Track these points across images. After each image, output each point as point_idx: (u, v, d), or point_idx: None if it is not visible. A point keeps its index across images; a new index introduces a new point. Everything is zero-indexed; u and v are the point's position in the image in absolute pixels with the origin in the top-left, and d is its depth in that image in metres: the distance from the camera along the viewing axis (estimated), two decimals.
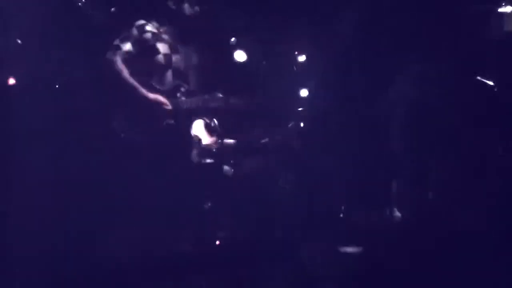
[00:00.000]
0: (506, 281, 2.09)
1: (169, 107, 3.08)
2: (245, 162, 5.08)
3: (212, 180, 4.64)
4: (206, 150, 4.75)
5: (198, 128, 4.97)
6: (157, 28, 3.14)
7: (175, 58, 3.21)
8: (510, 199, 2.59)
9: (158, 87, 3.11)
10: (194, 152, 4.84)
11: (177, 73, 3.24)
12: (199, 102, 3.17)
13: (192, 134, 4.90)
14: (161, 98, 3.06)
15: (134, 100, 2.96)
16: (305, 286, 2.29)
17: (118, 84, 2.95)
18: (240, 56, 5.93)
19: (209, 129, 5.08)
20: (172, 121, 3.12)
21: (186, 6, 3.17)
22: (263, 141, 5.16)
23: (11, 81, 3.69)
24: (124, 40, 3.04)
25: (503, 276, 2.11)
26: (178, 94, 3.21)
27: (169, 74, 3.19)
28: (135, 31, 3.07)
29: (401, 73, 4.70)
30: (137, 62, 3.09)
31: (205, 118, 5.07)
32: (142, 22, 3.11)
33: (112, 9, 3.74)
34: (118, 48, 3.01)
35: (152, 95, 3.03)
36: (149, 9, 3.28)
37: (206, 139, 4.90)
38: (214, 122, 5.19)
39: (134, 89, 2.98)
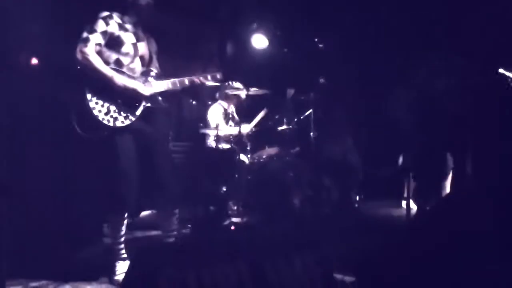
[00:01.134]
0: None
1: (146, 91, 3.11)
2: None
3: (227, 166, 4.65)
4: (222, 136, 4.76)
5: (216, 114, 5.00)
6: (121, 18, 3.17)
7: (140, 45, 3.26)
8: None
9: (129, 74, 3.16)
10: (212, 137, 4.86)
11: (143, 60, 3.29)
12: (175, 84, 3.22)
13: (210, 120, 4.93)
14: (138, 83, 3.10)
15: (112, 89, 3.04)
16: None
17: (93, 74, 3.00)
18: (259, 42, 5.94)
19: (225, 115, 5.10)
20: (149, 105, 3.18)
21: None
22: (281, 128, 5.15)
23: None
24: (92, 32, 3.05)
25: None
26: (149, 79, 3.23)
27: (137, 62, 3.23)
28: (101, 23, 3.09)
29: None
30: (107, 52, 3.11)
31: (221, 104, 5.10)
32: (106, 13, 3.14)
33: None
34: (88, 40, 3.02)
35: (130, 82, 3.07)
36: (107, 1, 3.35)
37: (224, 125, 4.91)
38: (232, 108, 5.21)
39: (111, 78, 3.02)
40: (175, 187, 3.22)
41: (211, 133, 4.76)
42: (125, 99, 3.06)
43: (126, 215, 3.14)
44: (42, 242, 3.44)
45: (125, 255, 3.14)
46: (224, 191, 4.61)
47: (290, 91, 5.72)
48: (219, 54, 7.11)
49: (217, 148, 4.71)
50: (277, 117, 5.25)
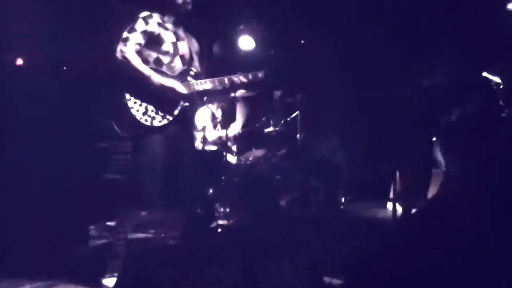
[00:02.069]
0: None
1: (184, 91, 3.11)
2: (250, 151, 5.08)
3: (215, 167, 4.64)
4: (209, 138, 4.75)
5: (203, 117, 4.98)
6: (161, 18, 3.19)
7: (180, 44, 3.25)
8: None
9: (169, 73, 3.15)
10: (199, 139, 4.85)
11: (184, 59, 3.28)
12: (215, 83, 3.22)
13: (197, 123, 4.92)
14: (176, 82, 3.09)
15: (150, 88, 3.04)
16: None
17: (132, 74, 3.02)
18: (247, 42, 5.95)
19: (213, 118, 5.09)
20: (187, 104, 3.14)
21: None
22: (267, 130, 5.16)
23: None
24: (132, 31, 3.07)
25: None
26: (189, 78, 3.22)
27: (177, 60, 3.22)
28: (141, 22, 3.10)
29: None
30: (146, 52, 3.12)
31: (209, 107, 5.09)
32: (146, 13, 3.16)
33: None
34: (128, 39, 3.04)
35: (168, 81, 3.07)
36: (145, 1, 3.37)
37: (211, 128, 4.90)
38: (218, 111, 5.20)
39: (149, 77, 3.03)
40: (188, 191, 3.24)
41: (198, 135, 4.75)
42: (163, 98, 3.07)
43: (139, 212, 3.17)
44: (36, 241, 3.43)
45: (119, 254, 3.11)
46: (211, 193, 4.60)
47: (277, 93, 5.74)
48: (206, 55, 7.11)
49: (204, 150, 4.70)
50: (264, 119, 5.26)
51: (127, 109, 2.96)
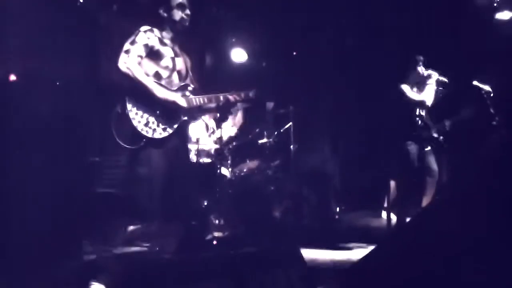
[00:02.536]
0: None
1: (185, 105, 3.15)
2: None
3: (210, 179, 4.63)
4: (204, 150, 4.76)
5: (196, 129, 4.99)
6: (160, 33, 3.24)
7: (177, 60, 3.32)
8: None
9: (168, 87, 3.20)
10: (193, 152, 4.85)
11: (180, 75, 3.35)
12: (211, 99, 3.27)
13: (191, 134, 4.92)
14: (178, 96, 3.12)
15: (152, 100, 3.07)
16: None
17: (135, 85, 3.05)
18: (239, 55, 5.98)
19: (207, 129, 5.10)
20: (186, 118, 3.23)
21: (174, 12, 3.27)
22: (261, 141, 5.17)
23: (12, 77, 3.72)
24: (134, 43, 3.12)
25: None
26: (187, 93, 3.28)
27: (175, 76, 3.29)
28: (142, 35, 3.15)
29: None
30: (147, 65, 3.17)
31: (203, 119, 5.10)
32: (147, 27, 3.20)
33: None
34: (129, 51, 3.08)
35: (171, 95, 3.10)
36: (143, 16, 3.42)
37: (205, 139, 4.91)
38: (212, 122, 5.21)
39: (152, 89, 3.07)
40: (185, 203, 3.26)
41: (192, 147, 4.75)
42: (164, 111, 3.10)
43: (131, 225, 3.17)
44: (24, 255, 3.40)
45: (109, 268, 3.07)
46: (205, 206, 4.60)
47: (270, 105, 5.76)
48: (198, 67, 7.13)
49: (198, 162, 4.70)
50: (257, 130, 5.28)
51: (128, 120, 2.97)
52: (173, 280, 2.05)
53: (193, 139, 4.74)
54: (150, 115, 3.04)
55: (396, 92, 4.52)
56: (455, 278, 2.17)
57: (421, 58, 4.47)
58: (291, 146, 5.21)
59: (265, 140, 5.16)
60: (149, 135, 3.01)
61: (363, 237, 4.52)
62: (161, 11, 3.29)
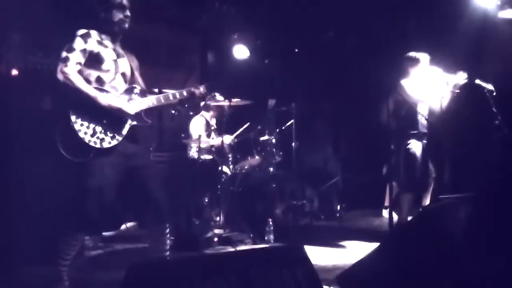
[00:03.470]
0: None
1: (131, 109, 3.02)
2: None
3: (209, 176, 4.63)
4: (204, 147, 4.75)
5: (198, 125, 4.99)
6: (99, 35, 3.06)
7: (120, 62, 3.12)
8: None
9: (112, 92, 3.04)
10: (194, 149, 4.84)
11: (125, 77, 3.16)
12: (160, 99, 3.14)
13: (193, 132, 4.91)
14: (122, 101, 3.01)
15: (97, 109, 2.90)
16: None
17: (76, 95, 2.87)
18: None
19: (207, 126, 5.09)
20: (135, 123, 3.06)
21: (114, 12, 3.04)
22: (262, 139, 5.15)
23: None
24: (71, 51, 2.91)
25: None
26: (133, 96, 3.12)
27: (119, 78, 3.10)
28: (79, 40, 2.96)
29: None
30: (87, 71, 2.97)
31: (203, 115, 5.09)
32: (84, 31, 3.01)
33: None
34: (68, 59, 2.88)
35: (115, 101, 2.98)
36: (81, 18, 3.27)
37: (205, 137, 4.90)
38: (213, 119, 5.20)
39: (95, 98, 2.90)
40: (165, 201, 3.10)
41: (193, 144, 4.75)
42: (111, 118, 2.95)
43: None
44: None
45: (66, 280, 2.97)
46: (207, 202, 4.59)
47: (272, 102, 5.74)
48: (200, 65, 7.13)
49: (199, 159, 4.70)
50: (259, 128, 5.25)
51: (74, 132, 2.83)
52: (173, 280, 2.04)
53: (195, 136, 4.73)
54: (96, 125, 2.89)
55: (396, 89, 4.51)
56: (455, 278, 2.16)
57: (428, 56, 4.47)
58: (293, 144, 5.19)
59: (266, 137, 5.14)
60: (98, 145, 2.86)
61: (363, 236, 4.52)
62: (99, 12, 3.08)
